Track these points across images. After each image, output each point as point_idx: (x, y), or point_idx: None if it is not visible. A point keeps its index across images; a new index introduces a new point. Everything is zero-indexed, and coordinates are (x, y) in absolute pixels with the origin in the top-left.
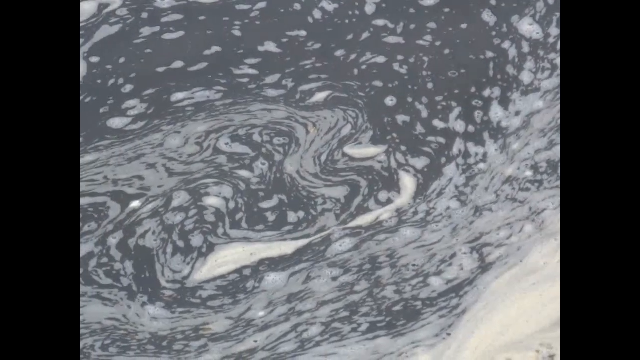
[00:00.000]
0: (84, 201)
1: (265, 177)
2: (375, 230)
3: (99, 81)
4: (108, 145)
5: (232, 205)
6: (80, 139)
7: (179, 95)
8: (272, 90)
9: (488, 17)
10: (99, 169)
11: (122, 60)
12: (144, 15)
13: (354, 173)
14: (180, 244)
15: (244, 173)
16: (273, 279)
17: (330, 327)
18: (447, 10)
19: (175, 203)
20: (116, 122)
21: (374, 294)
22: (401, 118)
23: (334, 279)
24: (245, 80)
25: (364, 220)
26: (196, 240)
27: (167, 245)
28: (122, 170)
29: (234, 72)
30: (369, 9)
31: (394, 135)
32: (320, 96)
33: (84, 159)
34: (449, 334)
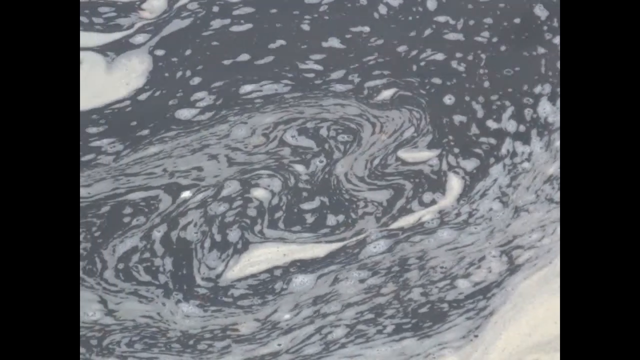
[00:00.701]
0: (137, 195)
1: (315, 176)
2: (413, 232)
3: (167, 74)
4: (174, 137)
5: (275, 201)
6: (147, 131)
7: (248, 88)
8: (340, 85)
9: (540, 11)
10: (160, 161)
11: (188, 52)
12: (215, 8)
13: (401, 177)
14: (218, 238)
15: (300, 168)
16: (301, 280)
17: (355, 329)
18: (502, 5)
19: (224, 192)
20: (184, 114)
21: (401, 296)
22: (458, 118)
23: (362, 281)
24: (311, 75)
25: (405, 221)
26: (233, 235)
27: (205, 239)
28: (183, 161)
29: (299, 67)
30: (431, 4)
31: (450, 137)
32: (386, 94)
33: (148, 151)
34: (476, 336)
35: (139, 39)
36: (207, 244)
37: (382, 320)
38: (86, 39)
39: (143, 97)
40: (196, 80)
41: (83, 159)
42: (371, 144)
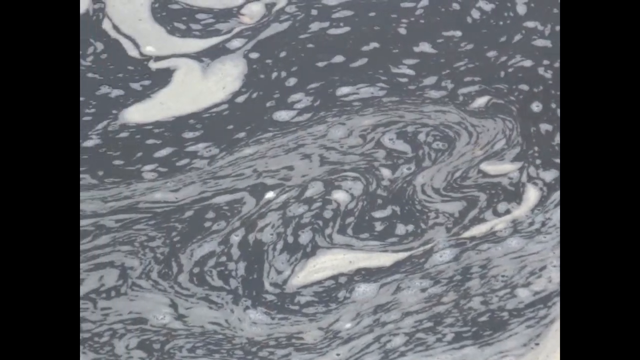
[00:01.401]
0: (222, 199)
1: (395, 183)
2: (481, 240)
3: (262, 76)
4: (270, 138)
5: (351, 205)
6: (243, 134)
7: (344, 90)
8: (434, 91)
9: None
10: (252, 162)
11: (282, 54)
12: (314, 12)
13: (477, 189)
14: (290, 239)
15: (386, 172)
16: (364, 290)
17: (414, 338)
18: None
19: (307, 193)
20: (282, 115)
21: (460, 304)
22: (544, 127)
23: (423, 290)
24: (404, 80)
25: (477, 230)
26: (304, 237)
27: (279, 241)
28: (275, 161)
29: (392, 71)
30: (521, 9)
31: (536, 149)
32: (480, 101)
33: (243, 152)
34: (537, 344)
35: (235, 43)
36: (279, 245)
37: (441, 328)
38: (183, 45)
39: (240, 99)
40: (292, 82)
41: (178, 163)
42: (461, 155)
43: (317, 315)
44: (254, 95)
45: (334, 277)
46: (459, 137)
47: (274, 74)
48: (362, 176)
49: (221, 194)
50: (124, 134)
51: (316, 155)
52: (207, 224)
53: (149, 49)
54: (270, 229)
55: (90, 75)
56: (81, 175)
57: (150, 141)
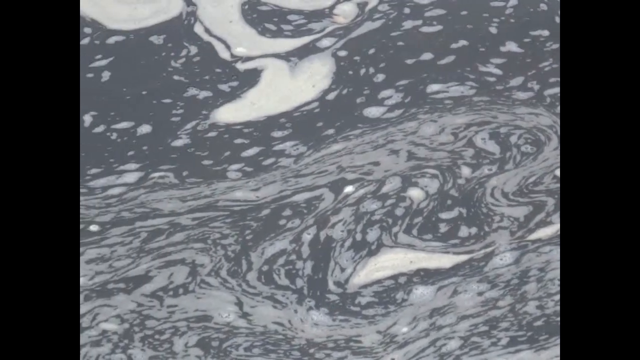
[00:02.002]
0: (301, 197)
1: (468, 183)
2: (544, 243)
3: (350, 72)
4: (359, 134)
5: (423, 204)
6: (332, 130)
7: (434, 87)
8: (521, 92)
9: None
10: (338, 158)
11: (371, 51)
12: (406, 10)
13: (545, 194)
14: (358, 237)
15: (465, 171)
16: (421, 292)
17: (469, 341)
18: None
19: (384, 189)
20: (373, 112)
21: (516, 309)
22: None
23: (480, 294)
24: (492, 79)
25: (543, 233)
26: (372, 235)
27: (348, 238)
28: (361, 157)
29: (479, 69)
30: None
31: None
32: None
33: (330, 149)
34: None
35: (326, 42)
36: (348, 242)
37: (496, 332)
38: (273, 45)
39: (331, 96)
40: (380, 77)
41: (264, 163)
42: (544, 160)
43: (375, 318)
44: (344, 92)
45: (394, 277)
46: (549, 142)
47: (362, 70)
48: (442, 174)
49: (300, 192)
50: (212, 134)
51: (404, 152)
52: (282, 222)
53: (239, 50)
54: (342, 225)
55: (176, 77)
56: (164, 173)
57: (238, 141)
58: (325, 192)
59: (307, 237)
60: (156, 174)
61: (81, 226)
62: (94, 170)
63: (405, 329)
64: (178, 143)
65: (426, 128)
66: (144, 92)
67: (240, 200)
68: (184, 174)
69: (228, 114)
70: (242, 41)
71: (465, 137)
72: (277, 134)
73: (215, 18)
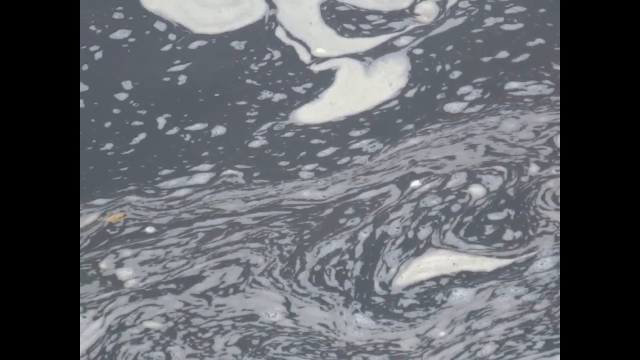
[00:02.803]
0: (368, 194)
1: (528, 182)
2: None
3: (426, 69)
4: (438, 129)
5: (479, 202)
6: (412, 126)
7: (513, 85)
8: None
9: None
10: (413, 152)
11: (449, 48)
12: (487, 7)
13: None
14: (410, 234)
15: (533, 169)
16: (460, 294)
17: (504, 345)
18: None
19: (449, 184)
20: (453, 107)
21: (552, 312)
22: None
23: (517, 297)
24: None
25: None
26: (423, 232)
27: (401, 236)
28: (437, 151)
29: (553, 67)
30: None
31: None
32: None
33: (407, 143)
34: None
35: (403, 41)
36: (400, 240)
37: (532, 336)
38: (352, 45)
39: (410, 94)
40: (456, 74)
41: (339, 162)
42: None
43: (416, 321)
44: (422, 88)
45: (436, 279)
46: None
47: (438, 68)
48: (508, 172)
49: (368, 189)
50: (289, 134)
51: (482, 146)
52: (342, 221)
53: (319, 51)
54: (399, 222)
55: (249, 81)
56: (233, 171)
57: (315, 141)
58: (393, 188)
59: (363, 235)
60: (228, 172)
61: (137, 228)
62: (165, 172)
63: (442, 333)
64: (255, 144)
65: (508, 124)
66: (216, 95)
67: (306, 200)
68: (255, 174)
69: (308, 114)
70: (322, 42)
71: (546, 135)
72: (355, 133)
73: (295, 20)
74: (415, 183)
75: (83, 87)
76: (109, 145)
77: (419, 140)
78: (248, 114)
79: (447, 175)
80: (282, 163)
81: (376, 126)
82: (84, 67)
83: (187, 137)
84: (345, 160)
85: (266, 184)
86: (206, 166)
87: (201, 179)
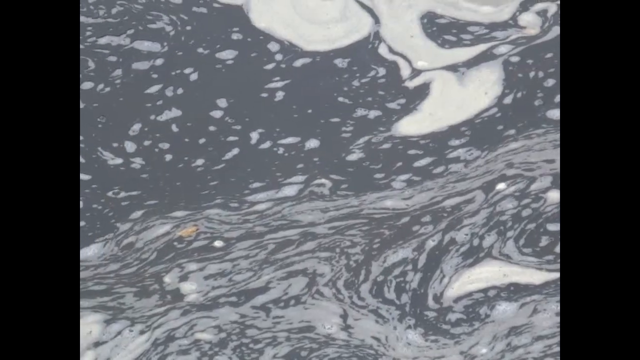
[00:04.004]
0: (452, 201)
1: None
2: None
3: (520, 75)
4: (542, 133)
5: (548, 209)
6: (513, 131)
7: None
8: None
9: None
10: (511, 156)
11: (548, 55)
12: None
13: None
14: (476, 242)
15: None
16: (504, 308)
17: None
18: None
19: (532, 187)
20: (556, 114)
21: None
22: None
23: (558, 314)
24: None
25: None
26: (488, 240)
27: (466, 243)
28: (537, 154)
29: None
30: None
31: None
32: None
33: (508, 147)
34: None
35: (502, 49)
36: (464, 248)
37: None
38: (451, 56)
39: (507, 100)
40: (550, 82)
41: (434, 171)
42: None
43: (461, 337)
44: (519, 95)
45: (485, 290)
46: None
47: (532, 74)
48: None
49: (453, 196)
50: (386, 145)
51: None
52: (416, 228)
53: (421, 64)
54: (468, 229)
55: (341, 99)
56: (322, 181)
57: (412, 151)
58: (478, 194)
59: (430, 243)
60: (316, 181)
61: (206, 242)
62: (256, 185)
63: (484, 350)
64: (352, 157)
65: None
66: (309, 111)
67: (388, 209)
68: (343, 186)
69: (408, 126)
70: (422, 55)
71: None
72: (454, 142)
73: (397, 34)
74: (500, 185)
75: (176, 112)
76: (200, 161)
77: (521, 144)
78: (343, 129)
79: (534, 178)
80: (377, 175)
81: (476, 134)
82: (179, 91)
83: (280, 150)
84: (440, 169)
85: (349, 195)
86: (299, 177)
87: (290, 191)
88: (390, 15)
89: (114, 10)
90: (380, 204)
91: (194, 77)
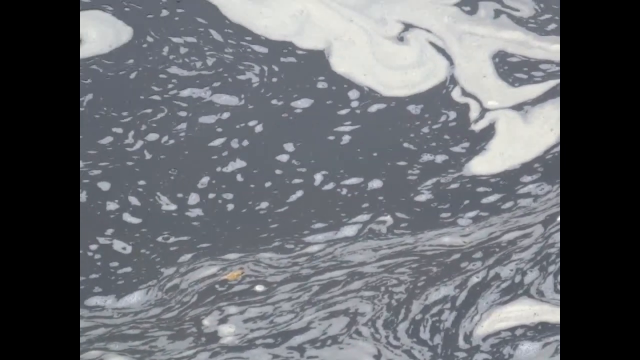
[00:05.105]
0: (508, 236)
1: None
2: None
3: None
4: None
5: None
6: None
7: None
8: None
9: None
10: None
11: None
12: None
13: None
14: (518, 278)
15: None
16: (527, 348)
17: None
18: None
19: None
20: None
21: None
22: None
23: None
24: None
25: None
26: (530, 276)
27: (509, 279)
28: None
29: None
30: None
31: None
32: None
33: None
34: None
35: None
36: (506, 284)
37: None
38: (519, 94)
39: None
40: None
41: (502, 207)
42: None
43: None
44: None
45: (513, 329)
46: None
47: None
48: None
49: (513, 230)
50: (454, 185)
51: None
52: (464, 264)
53: (491, 103)
54: (515, 264)
55: (406, 145)
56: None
57: (481, 189)
58: (537, 228)
59: (474, 280)
60: (381, 218)
61: (248, 286)
62: (318, 225)
63: None
64: (421, 198)
65: None
66: (374, 154)
67: (444, 246)
68: (402, 225)
69: (479, 166)
70: (493, 94)
71: None
72: (525, 178)
73: (470, 74)
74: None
75: (240, 163)
76: (264, 204)
77: None
78: (410, 171)
79: None
80: (444, 215)
81: (548, 169)
82: (244, 143)
83: (344, 191)
84: (509, 204)
85: (405, 234)
86: (364, 217)
87: (350, 231)
88: (463, 55)
89: (209, 62)
90: (437, 241)
91: (259, 128)
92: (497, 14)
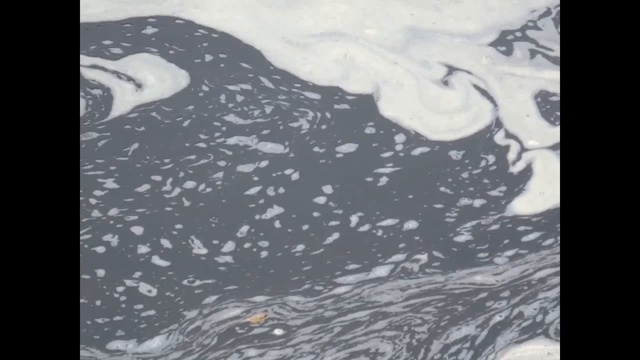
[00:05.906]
0: (541, 274)
1: None
2: None
3: None
4: None
5: None
6: None
7: None
8: None
9: None
10: None
11: None
12: None
13: None
14: (540, 317)
15: None
16: None
17: None
18: None
19: None
20: None
21: None
22: None
23: None
24: None
25: None
26: (552, 315)
27: (532, 317)
28: None
29: None
30: None
31: None
32: None
33: None
34: None
35: None
36: (527, 323)
37: None
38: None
39: None
40: None
41: (543, 244)
42: None
43: None
44: None
45: None
46: None
47: None
48: None
49: (547, 268)
50: (495, 227)
51: None
52: (490, 303)
53: (531, 143)
54: (539, 303)
55: (443, 189)
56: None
57: (521, 228)
58: None
59: (497, 319)
60: (415, 256)
61: (267, 329)
62: (352, 266)
63: None
64: (460, 239)
65: None
66: (410, 197)
67: (475, 284)
68: (435, 264)
69: (521, 207)
70: (534, 134)
71: None
72: None
73: (514, 114)
74: None
75: (278, 209)
76: (300, 247)
77: None
78: (447, 214)
79: None
80: (481, 255)
81: None
82: (280, 191)
83: (379, 232)
84: (549, 241)
85: (435, 273)
86: (399, 256)
87: (382, 271)
88: (505, 96)
89: (267, 110)
90: (469, 279)
91: (295, 176)
92: (533, 54)
